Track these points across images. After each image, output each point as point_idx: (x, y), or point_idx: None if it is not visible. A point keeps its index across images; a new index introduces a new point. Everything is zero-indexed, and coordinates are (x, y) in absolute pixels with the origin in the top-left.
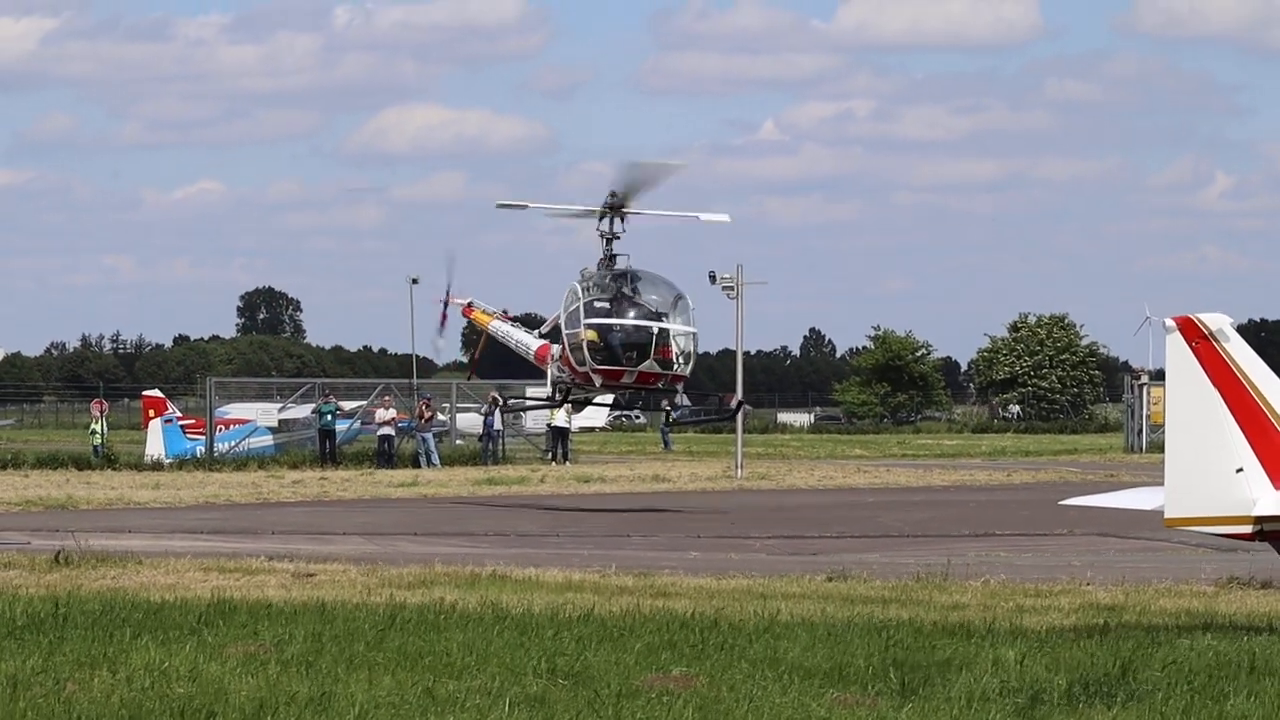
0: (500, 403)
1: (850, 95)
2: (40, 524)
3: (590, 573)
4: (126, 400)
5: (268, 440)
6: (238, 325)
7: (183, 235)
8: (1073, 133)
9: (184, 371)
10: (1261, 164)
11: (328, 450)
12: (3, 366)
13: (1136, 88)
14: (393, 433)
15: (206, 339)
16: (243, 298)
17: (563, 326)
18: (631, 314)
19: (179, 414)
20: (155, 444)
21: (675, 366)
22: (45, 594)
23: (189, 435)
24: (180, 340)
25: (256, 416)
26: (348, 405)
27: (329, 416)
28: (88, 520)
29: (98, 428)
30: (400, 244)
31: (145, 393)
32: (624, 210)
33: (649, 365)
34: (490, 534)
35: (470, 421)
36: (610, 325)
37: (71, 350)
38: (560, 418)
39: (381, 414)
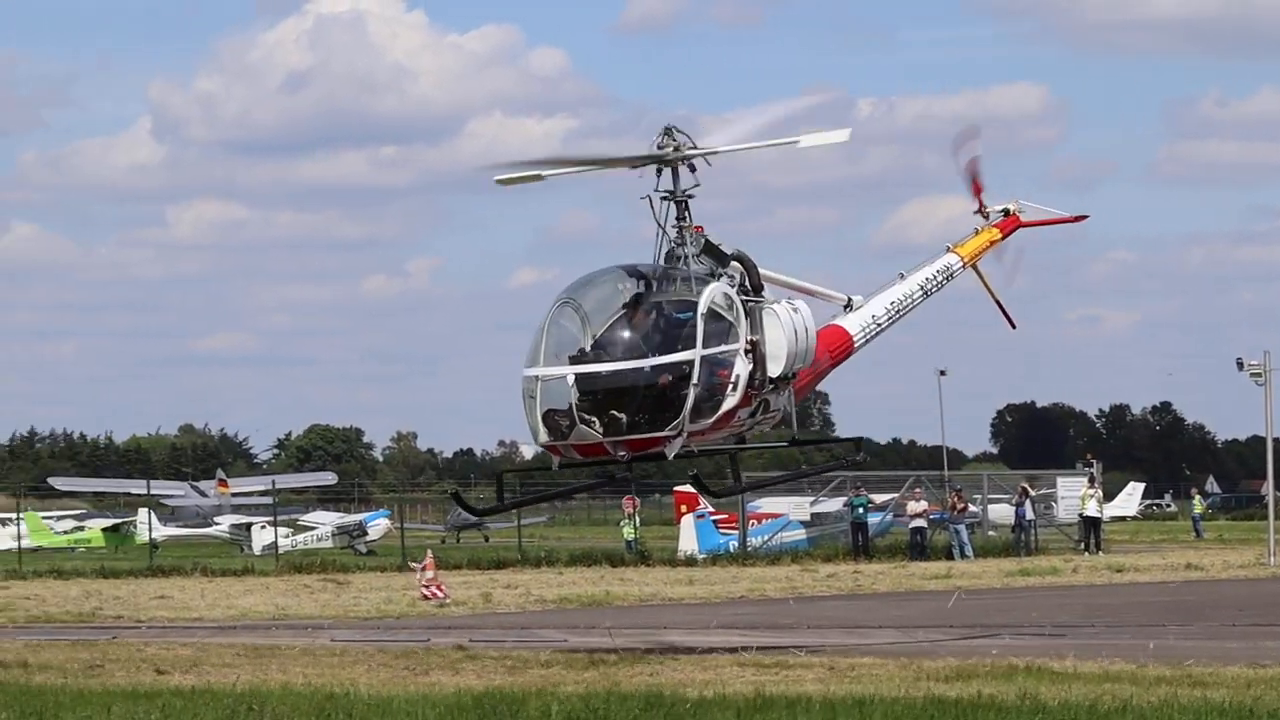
0: (1029, 494)
1: None
2: (576, 621)
3: (1127, 663)
4: (658, 496)
5: (800, 534)
6: None
7: None
8: None
9: (715, 467)
10: None
11: (860, 543)
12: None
13: None
14: (925, 524)
15: None
16: None
17: None
18: (545, 356)
19: (711, 509)
20: (688, 539)
21: (675, 422)
22: (584, 691)
23: (722, 530)
24: None
25: (789, 510)
26: (879, 498)
27: (861, 509)
28: (624, 617)
29: (630, 524)
30: (924, 336)
31: (677, 489)
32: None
33: (579, 435)
34: (1025, 627)
35: (1002, 512)
36: (525, 378)
37: None
38: (1092, 507)
39: (913, 506)
